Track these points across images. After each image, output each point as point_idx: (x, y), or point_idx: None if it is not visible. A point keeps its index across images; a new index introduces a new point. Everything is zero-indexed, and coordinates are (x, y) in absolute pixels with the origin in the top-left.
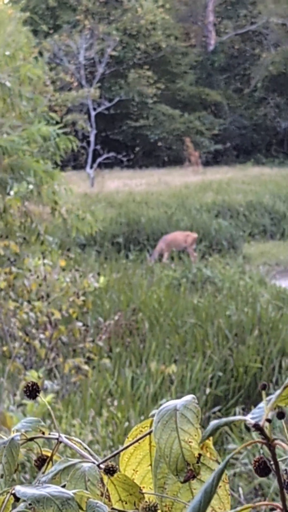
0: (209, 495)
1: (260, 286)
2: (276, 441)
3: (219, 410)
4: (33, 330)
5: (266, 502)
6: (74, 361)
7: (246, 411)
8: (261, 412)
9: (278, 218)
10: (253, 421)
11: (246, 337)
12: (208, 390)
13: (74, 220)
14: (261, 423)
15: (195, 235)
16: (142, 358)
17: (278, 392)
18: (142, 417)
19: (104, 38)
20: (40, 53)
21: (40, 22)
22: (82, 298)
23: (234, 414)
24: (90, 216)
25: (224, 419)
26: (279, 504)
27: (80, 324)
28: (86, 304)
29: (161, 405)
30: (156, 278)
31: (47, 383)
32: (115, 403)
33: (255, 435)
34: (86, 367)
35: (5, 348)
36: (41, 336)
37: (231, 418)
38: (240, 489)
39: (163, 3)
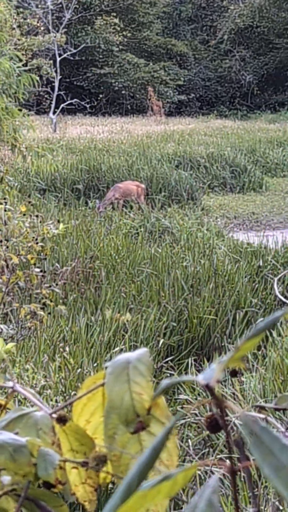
0: (157, 452)
1: (217, 238)
2: (225, 403)
3: (172, 360)
4: None
5: (212, 461)
6: (30, 306)
7: (198, 362)
8: (213, 372)
9: (239, 172)
10: (204, 382)
11: (201, 289)
12: (161, 340)
13: (34, 157)
14: (211, 384)
15: (143, 185)
16: (97, 305)
17: (230, 354)
18: (95, 364)
19: None
20: None
21: None
22: (40, 244)
23: (187, 365)
24: (50, 154)
25: (176, 379)
26: (226, 463)
27: (37, 270)
28: (44, 250)
29: (114, 353)
30: (114, 226)
31: (3, 327)
32: (68, 349)
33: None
34: (41, 312)
35: None
36: None
37: (183, 377)
38: (189, 441)
39: None
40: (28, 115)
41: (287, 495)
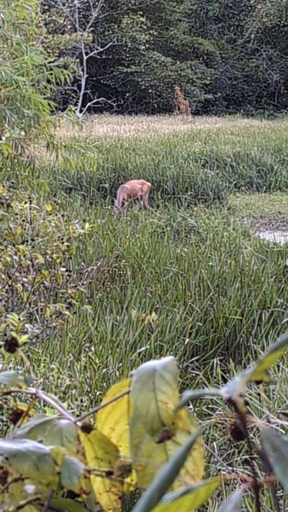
0: (179, 466)
1: (243, 238)
2: (247, 416)
3: (197, 360)
4: (16, 273)
5: (235, 475)
6: (55, 306)
7: (224, 362)
8: (236, 385)
9: (265, 171)
10: (227, 395)
11: (227, 289)
12: (187, 340)
13: (73, 153)
14: (234, 398)
15: (149, 183)
16: (123, 305)
17: (253, 367)
18: (120, 364)
19: None
20: None
21: None
22: (66, 243)
23: (212, 365)
24: (92, 152)
25: (198, 392)
26: (248, 477)
27: (63, 269)
28: (70, 249)
29: (140, 353)
30: (140, 225)
31: (28, 326)
32: (94, 349)
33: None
34: (67, 312)
35: None
36: (24, 279)
37: (206, 390)
38: (214, 442)
39: None
40: (73, 110)
41: None
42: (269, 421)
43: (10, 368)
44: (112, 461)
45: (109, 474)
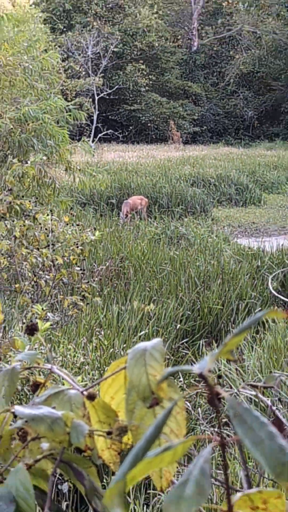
0: (160, 429)
1: (224, 243)
2: (215, 389)
3: (187, 342)
4: (40, 272)
5: (205, 436)
6: (72, 298)
7: (207, 343)
8: (205, 363)
9: (242, 189)
10: (198, 371)
11: (211, 284)
12: (178, 326)
13: (86, 176)
14: (204, 373)
15: (146, 199)
16: (126, 297)
17: (220, 348)
18: (124, 345)
19: (108, 37)
20: (59, 46)
21: (57, 21)
22: (80, 247)
23: (199, 346)
24: (102, 174)
25: (176, 368)
26: (217, 437)
27: (78, 268)
28: (83, 252)
29: (140, 336)
30: (141, 233)
31: (49, 314)
32: (103, 333)
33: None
34: (81, 303)
35: (17, 285)
36: (46, 277)
37: (182, 367)
38: (199, 408)
39: (157, 10)
40: (86, 141)
41: (264, 463)
42: (239, 391)
43: (35, 349)
44: (112, 423)
45: (109, 434)
